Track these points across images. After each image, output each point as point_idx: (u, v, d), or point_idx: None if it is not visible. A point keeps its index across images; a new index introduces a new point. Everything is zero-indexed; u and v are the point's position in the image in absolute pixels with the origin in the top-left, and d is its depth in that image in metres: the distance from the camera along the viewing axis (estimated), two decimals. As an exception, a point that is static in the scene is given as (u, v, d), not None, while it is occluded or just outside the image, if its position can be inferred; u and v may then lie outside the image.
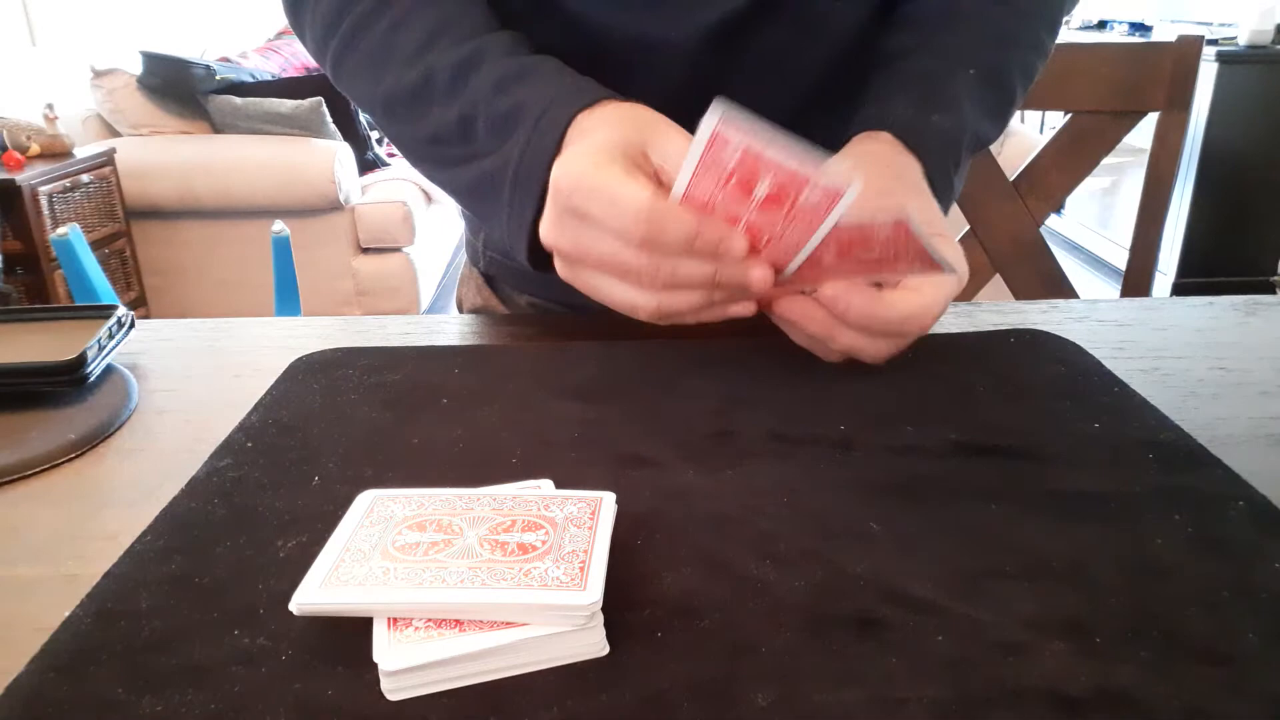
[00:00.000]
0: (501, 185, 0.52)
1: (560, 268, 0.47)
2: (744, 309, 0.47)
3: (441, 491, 0.36)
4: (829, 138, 0.67)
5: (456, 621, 0.30)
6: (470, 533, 0.33)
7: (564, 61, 0.53)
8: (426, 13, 0.56)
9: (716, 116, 0.38)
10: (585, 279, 0.46)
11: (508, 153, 0.51)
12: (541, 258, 0.52)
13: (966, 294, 1.00)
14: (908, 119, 0.56)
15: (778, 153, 0.39)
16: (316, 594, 0.30)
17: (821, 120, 0.66)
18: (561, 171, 0.45)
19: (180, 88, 3.07)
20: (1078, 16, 4.01)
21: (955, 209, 0.66)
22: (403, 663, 0.28)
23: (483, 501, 0.35)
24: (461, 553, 0.32)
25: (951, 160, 0.58)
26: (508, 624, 0.30)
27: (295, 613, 0.30)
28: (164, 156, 2.89)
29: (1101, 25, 3.92)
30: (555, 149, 0.48)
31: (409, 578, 0.31)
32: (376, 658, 0.29)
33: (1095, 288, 3.22)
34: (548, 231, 0.46)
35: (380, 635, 0.30)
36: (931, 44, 0.61)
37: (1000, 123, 0.62)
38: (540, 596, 0.30)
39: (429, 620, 0.30)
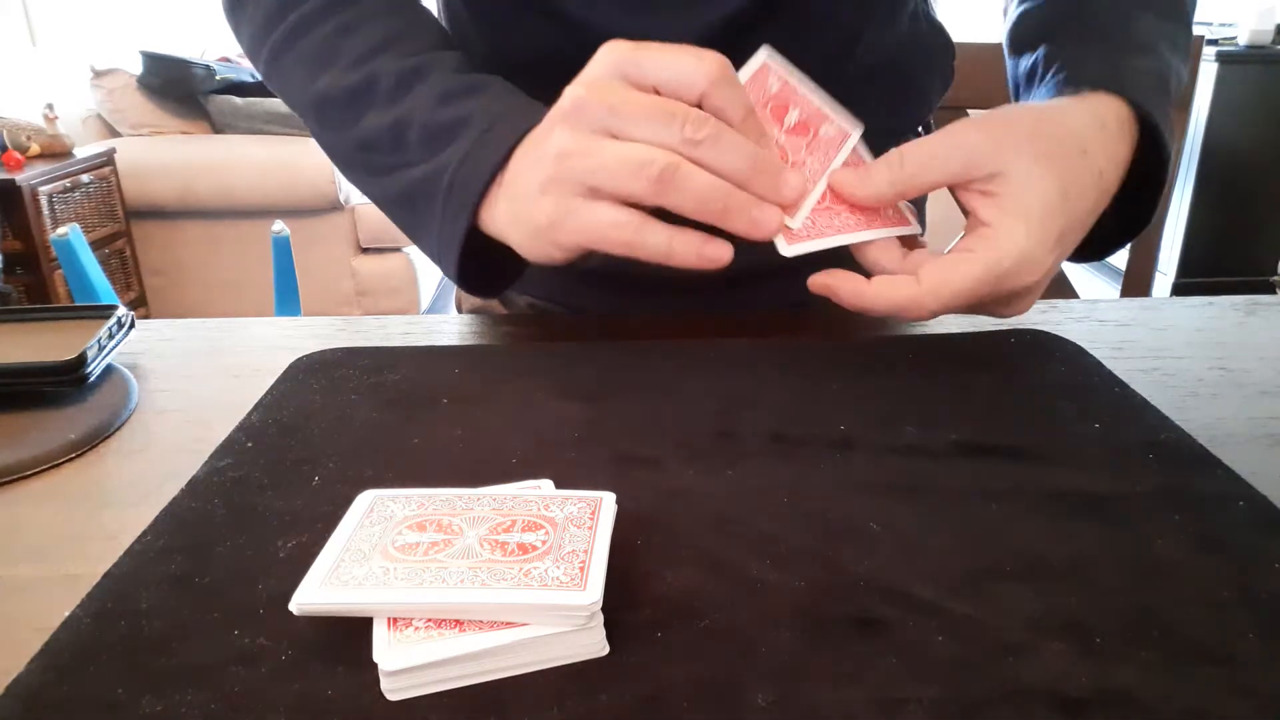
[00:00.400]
0: (433, 195, 0.50)
1: (564, 134, 0.44)
2: (721, 251, 0.43)
3: (442, 491, 0.36)
4: None
5: (456, 621, 0.30)
6: (470, 533, 0.33)
7: (561, 63, 0.53)
8: (378, 22, 0.54)
9: (765, 53, 0.46)
10: (591, 142, 0.43)
11: (443, 161, 0.49)
12: (470, 276, 0.51)
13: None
14: (1100, 71, 0.49)
15: (810, 91, 0.47)
16: (316, 594, 0.30)
17: None
18: (610, 45, 0.44)
19: (180, 88, 3.08)
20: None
21: (954, 208, 0.66)
22: (403, 663, 0.28)
23: (483, 501, 0.35)
24: (461, 553, 0.32)
25: (1167, 103, 0.50)
26: (508, 624, 0.30)
27: (295, 613, 0.30)
28: (164, 156, 2.89)
29: (1101, 25, 3.92)
30: (500, 164, 0.47)
31: (409, 578, 0.31)
32: (376, 658, 0.29)
33: (1095, 288, 3.22)
34: (582, 87, 0.43)
35: (380, 635, 0.30)
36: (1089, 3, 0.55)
37: (1188, 64, 0.55)
38: (540, 597, 0.30)
39: (429, 620, 0.30)
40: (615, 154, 0.42)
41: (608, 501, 0.35)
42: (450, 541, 0.33)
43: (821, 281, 0.47)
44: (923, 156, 0.45)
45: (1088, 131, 0.46)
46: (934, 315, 0.46)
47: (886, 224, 0.48)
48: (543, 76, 0.65)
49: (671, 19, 0.59)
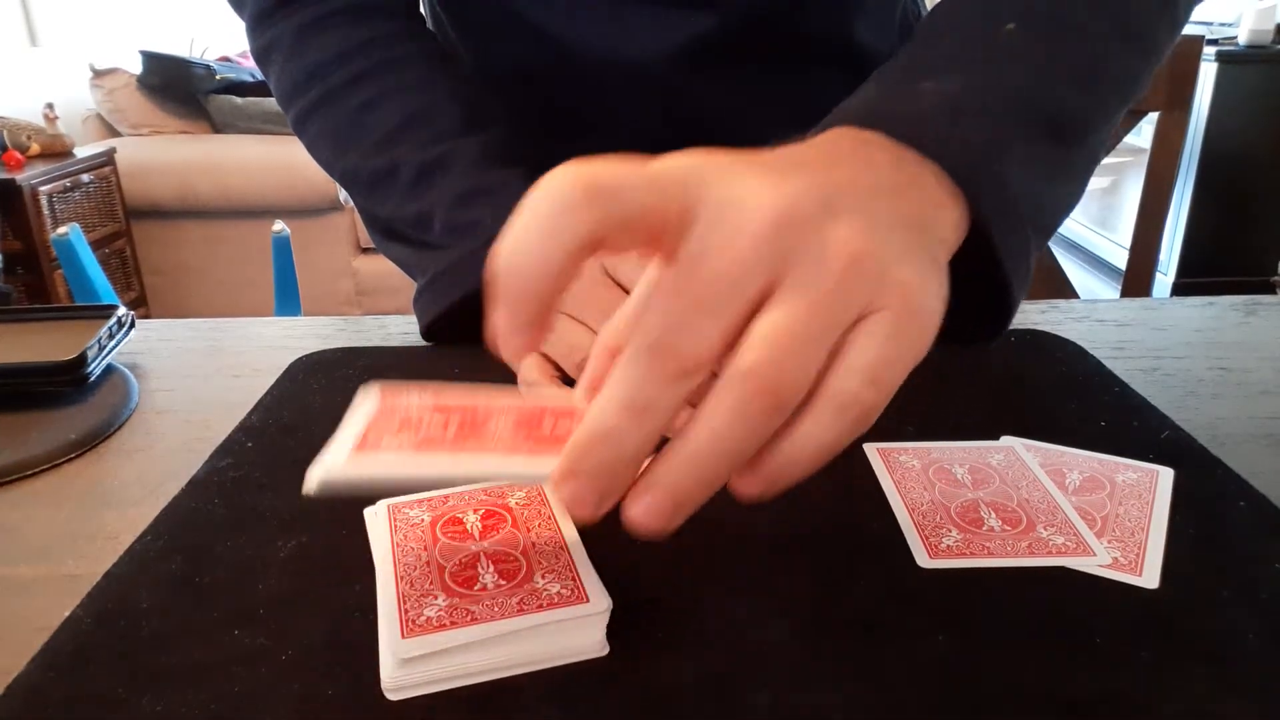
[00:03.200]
0: (427, 271, 0.53)
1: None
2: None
3: (457, 386, 0.32)
4: None
5: (467, 610, 0.30)
6: (500, 419, 0.29)
7: (543, 76, 0.53)
8: (399, 100, 0.56)
9: None
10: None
11: (450, 255, 0.52)
12: (434, 335, 0.55)
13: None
14: (870, 102, 0.37)
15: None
16: (345, 469, 0.26)
17: None
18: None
19: (180, 88, 3.08)
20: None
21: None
22: (413, 650, 0.28)
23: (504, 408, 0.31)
24: (493, 438, 0.28)
25: (971, 125, 0.36)
26: (519, 610, 0.30)
27: (316, 492, 0.26)
28: (164, 156, 2.89)
29: (1101, 25, 3.91)
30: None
31: (444, 451, 0.28)
32: (385, 647, 0.29)
33: (1095, 288, 3.22)
34: None
35: (388, 625, 0.30)
36: (943, 18, 0.44)
37: (1084, 86, 0.40)
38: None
39: (440, 610, 0.30)
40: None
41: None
42: (480, 426, 0.29)
43: None
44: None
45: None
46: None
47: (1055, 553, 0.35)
48: (526, 87, 0.65)
49: (638, 37, 0.59)
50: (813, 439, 0.26)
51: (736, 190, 0.25)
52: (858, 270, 0.25)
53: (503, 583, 0.31)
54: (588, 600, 0.30)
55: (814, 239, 0.25)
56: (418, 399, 0.30)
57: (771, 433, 0.25)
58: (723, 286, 0.24)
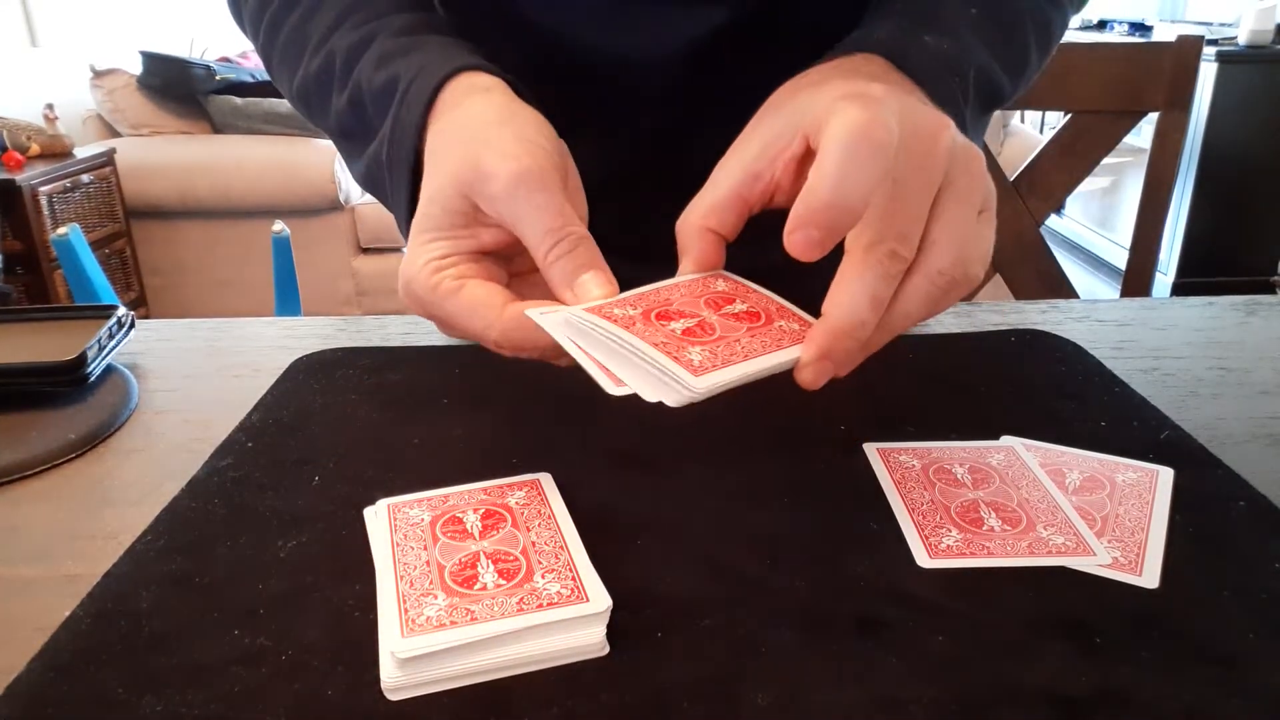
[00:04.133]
0: (382, 168, 0.48)
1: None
2: None
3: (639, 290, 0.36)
4: None
5: (468, 610, 0.30)
6: (709, 312, 0.34)
7: (541, 80, 0.51)
8: (334, 2, 0.53)
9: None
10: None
11: (383, 133, 0.47)
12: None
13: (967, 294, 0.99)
14: (892, 39, 0.45)
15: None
16: (721, 375, 0.31)
17: None
18: (403, 282, 0.40)
19: (180, 88, 3.07)
20: (1077, 17, 4.01)
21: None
22: (415, 649, 0.28)
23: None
24: (721, 327, 0.33)
25: (957, 86, 0.45)
26: (519, 609, 0.30)
27: (708, 392, 0.31)
28: (164, 156, 2.89)
29: (1101, 25, 3.92)
30: (420, 124, 0.44)
31: (744, 348, 0.33)
32: (387, 646, 0.29)
33: (1095, 288, 3.22)
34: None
35: (389, 623, 0.30)
36: None
37: (1013, 74, 0.51)
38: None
39: (440, 611, 0.30)
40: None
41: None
42: (704, 322, 0.34)
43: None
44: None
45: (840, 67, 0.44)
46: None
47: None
48: (531, 89, 0.65)
49: (645, 36, 0.58)
50: (942, 308, 0.34)
51: (915, 121, 0.32)
52: (980, 178, 0.34)
53: (503, 583, 0.31)
54: (588, 600, 0.30)
55: (960, 155, 0.33)
56: (631, 309, 0.34)
57: (942, 311, 0.34)
58: (924, 203, 0.32)
